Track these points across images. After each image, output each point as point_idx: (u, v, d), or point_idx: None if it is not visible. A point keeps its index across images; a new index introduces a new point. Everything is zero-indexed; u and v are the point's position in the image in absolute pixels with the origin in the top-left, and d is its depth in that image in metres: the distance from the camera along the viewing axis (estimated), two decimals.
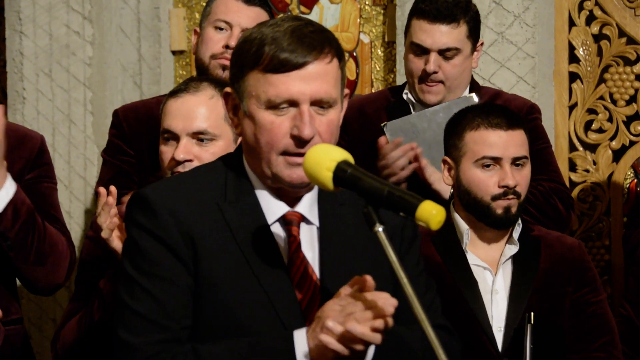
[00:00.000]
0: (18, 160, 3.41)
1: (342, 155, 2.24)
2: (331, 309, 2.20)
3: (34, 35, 4.90)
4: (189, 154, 3.05)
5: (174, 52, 5.10)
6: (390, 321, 2.17)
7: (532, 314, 3.13)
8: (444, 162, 3.32)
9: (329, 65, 2.30)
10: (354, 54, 4.94)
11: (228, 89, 2.39)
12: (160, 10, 5.02)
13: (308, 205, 2.39)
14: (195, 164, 3.00)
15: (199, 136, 3.06)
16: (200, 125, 3.05)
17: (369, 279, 2.21)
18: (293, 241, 2.35)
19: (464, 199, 3.26)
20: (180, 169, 3.03)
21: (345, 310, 2.18)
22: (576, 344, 3.25)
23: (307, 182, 2.31)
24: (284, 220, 2.36)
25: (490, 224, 3.24)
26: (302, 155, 2.28)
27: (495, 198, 3.20)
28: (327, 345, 2.17)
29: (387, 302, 2.17)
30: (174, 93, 3.15)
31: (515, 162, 3.23)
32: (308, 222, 2.39)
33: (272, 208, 2.36)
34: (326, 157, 2.23)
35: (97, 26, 4.91)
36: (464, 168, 3.24)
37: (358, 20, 4.94)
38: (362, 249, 2.40)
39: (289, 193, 2.37)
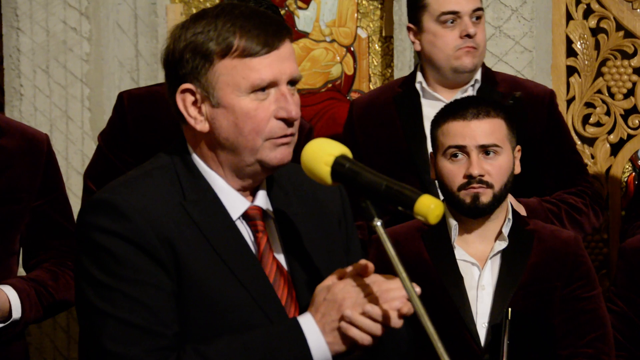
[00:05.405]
0: (29, 168, 3.38)
1: (340, 149, 2.23)
2: (345, 291, 2.18)
3: (31, 31, 4.89)
4: None
5: None
6: (419, 288, 2.17)
7: (510, 309, 3.11)
8: (430, 157, 3.35)
9: (292, 45, 2.30)
10: (352, 48, 4.94)
11: (188, 85, 2.26)
12: (157, 6, 5.01)
13: (264, 197, 2.37)
14: None
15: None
16: None
17: (368, 264, 2.21)
18: (262, 237, 2.32)
19: (442, 192, 3.28)
20: None
21: (363, 291, 2.17)
22: (565, 339, 3.23)
23: (288, 160, 2.30)
24: (246, 216, 2.33)
25: (464, 213, 3.23)
26: (288, 136, 2.27)
27: (460, 188, 3.20)
28: (364, 328, 2.15)
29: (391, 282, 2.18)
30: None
31: (485, 150, 3.22)
32: (267, 215, 2.36)
33: (234, 203, 2.31)
34: (324, 152, 2.22)
35: (94, 22, 4.90)
36: (438, 161, 3.26)
37: (355, 15, 4.93)
38: (315, 237, 2.39)
39: (251, 185, 2.33)
